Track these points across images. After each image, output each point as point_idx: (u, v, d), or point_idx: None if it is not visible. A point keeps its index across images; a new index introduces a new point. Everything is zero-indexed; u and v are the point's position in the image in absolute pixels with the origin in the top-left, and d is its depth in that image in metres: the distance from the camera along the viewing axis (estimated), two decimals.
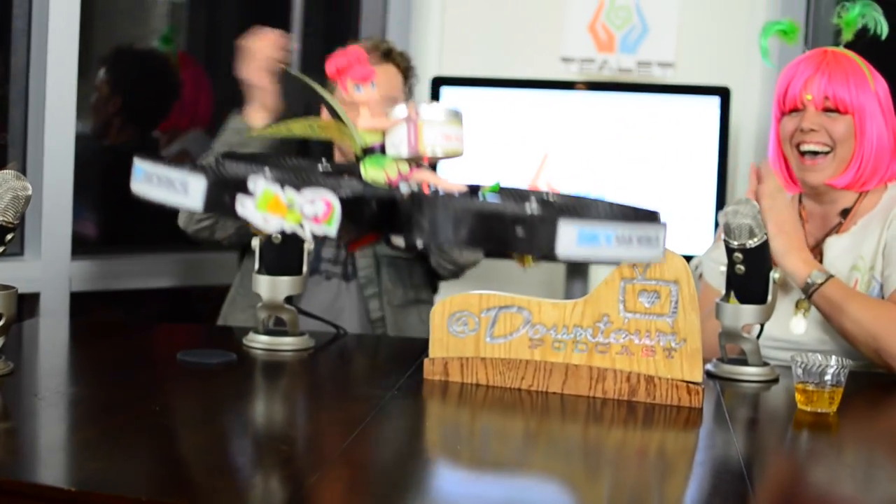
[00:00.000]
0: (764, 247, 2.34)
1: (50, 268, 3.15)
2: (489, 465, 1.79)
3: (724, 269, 2.39)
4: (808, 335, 2.57)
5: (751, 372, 2.37)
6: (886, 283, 2.51)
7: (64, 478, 1.61)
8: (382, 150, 1.68)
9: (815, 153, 2.59)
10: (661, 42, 3.74)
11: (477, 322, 2.21)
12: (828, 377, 2.10)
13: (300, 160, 1.87)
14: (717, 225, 3.25)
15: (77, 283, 3.26)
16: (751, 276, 2.36)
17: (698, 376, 2.12)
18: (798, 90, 2.59)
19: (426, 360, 2.23)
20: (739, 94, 3.63)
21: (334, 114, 1.76)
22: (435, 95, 3.56)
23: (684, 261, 2.17)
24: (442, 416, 2.14)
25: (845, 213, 2.65)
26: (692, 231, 3.46)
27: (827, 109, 2.57)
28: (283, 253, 2.41)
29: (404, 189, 1.62)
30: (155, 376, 2.22)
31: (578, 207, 1.75)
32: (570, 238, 1.37)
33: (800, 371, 2.12)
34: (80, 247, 3.33)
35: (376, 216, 1.48)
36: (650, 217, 1.79)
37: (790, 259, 2.46)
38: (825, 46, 2.67)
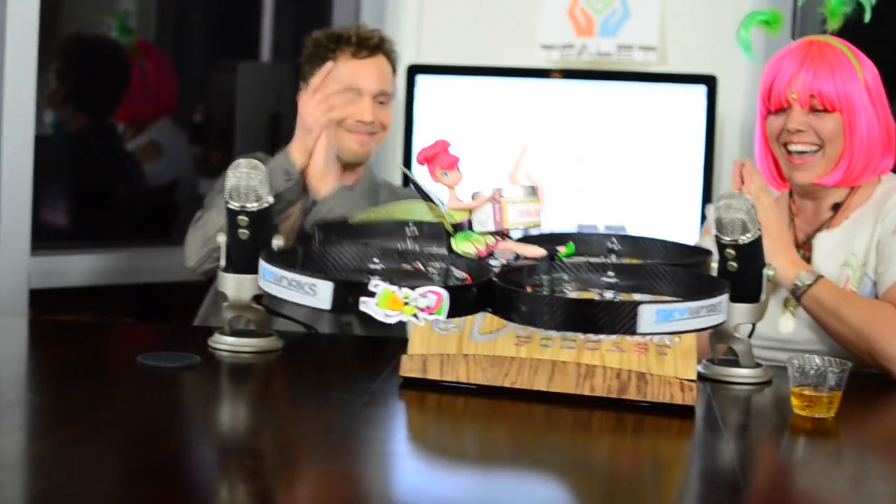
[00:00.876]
0: (757, 243, 2.23)
1: (7, 263, 3.04)
2: (472, 476, 1.71)
3: (715, 265, 2.28)
4: (797, 334, 2.51)
5: (743, 374, 2.28)
6: (880, 281, 2.44)
7: (15, 496, 1.49)
8: (469, 225, 1.93)
9: (803, 152, 2.52)
10: (644, 26, 3.63)
11: (462, 319, 2.14)
12: (827, 381, 2.00)
13: (391, 224, 2.14)
14: (703, 217, 3.18)
15: (37, 280, 3.16)
16: (743, 273, 2.25)
17: (692, 374, 2.05)
18: (782, 88, 2.51)
19: (404, 357, 2.13)
20: (726, 82, 3.55)
21: (426, 197, 2.01)
22: (410, 84, 3.46)
23: None
24: (421, 422, 2.05)
25: (836, 206, 2.58)
26: (678, 224, 3.38)
27: (813, 108, 2.50)
28: (250, 250, 2.28)
29: (495, 263, 1.89)
30: (114, 381, 2.12)
31: (644, 269, 2.01)
32: (649, 318, 1.61)
33: (797, 374, 2.02)
34: (42, 241, 3.24)
35: (478, 300, 1.74)
36: (702, 255, 2.24)
37: (777, 260, 2.37)
38: (812, 36, 2.59)
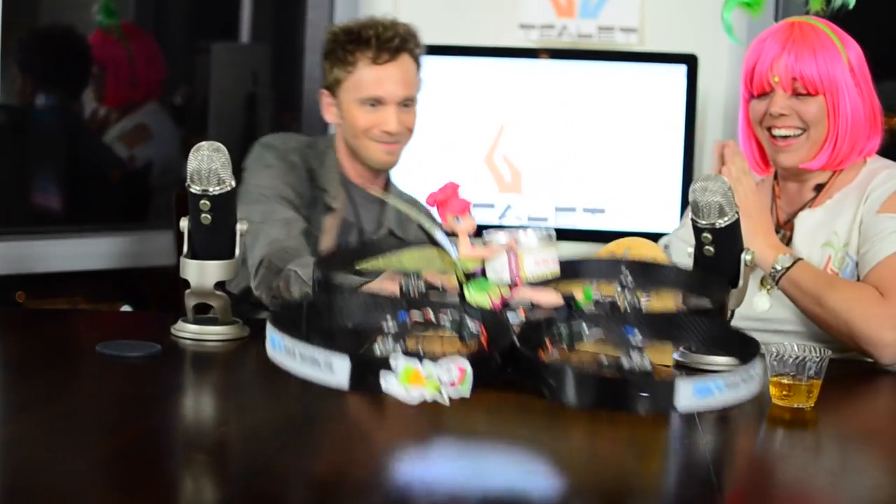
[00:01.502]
0: (735, 226, 2.17)
1: None
2: (448, 457, 1.68)
3: (691, 249, 2.22)
4: (773, 312, 2.48)
5: (720, 361, 2.20)
6: (862, 262, 2.40)
7: None
8: (483, 274, 1.85)
9: (787, 136, 2.48)
10: (625, 7, 3.58)
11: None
12: (806, 369, 1.94)
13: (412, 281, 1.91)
14: (684, 201, 3.13)
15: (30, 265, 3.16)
16: (721, 257, 2.19)
17: (668, 361, 2.11)
18: (764, 72, 2.46)
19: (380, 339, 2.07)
20: (707, 62, 3.49)
21: (434, 242, 1.94)
22: None
23: (661, 249, 2.18)
24: (397, 410, 1.93)
25: (819, 187, 2.55)
26: (658, 207, 3.33)
27: (796, 91, 2.45)
28: (213, 236, 2.23)
29: (513, 317, 1.77)
30: (71, 372, 2.06)
31: (669, 319, 1.86)
32: (687, 394, 1.50)
33: (775, 362, 1.96)
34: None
35: (502, 369, 1.60)
36: (721, 285, 2.10)
37: (756, 243, 2.33)
38: (794, 17, 2.54)
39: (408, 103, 2.80)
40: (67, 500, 1.41)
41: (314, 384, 1.86)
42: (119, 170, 3.91)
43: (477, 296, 1.80)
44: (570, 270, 1.99)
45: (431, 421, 1.78)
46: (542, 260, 1.86)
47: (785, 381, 1.95)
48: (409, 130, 2.82)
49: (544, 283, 1.87)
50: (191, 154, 2.18)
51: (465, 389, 1.47)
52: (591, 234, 3.35)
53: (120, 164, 3.90)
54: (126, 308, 3.39)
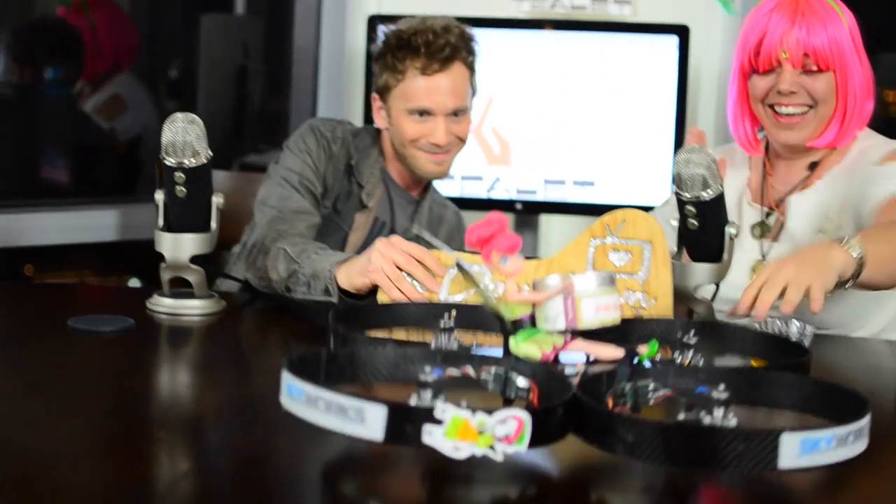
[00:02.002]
0: (719, 199, 2.13)
1: None
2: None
3: (675, 223, 2.18)
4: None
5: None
6: (870, 200, 2.29)
7: None
8: (532, 322, 1.60)
9: (793, 114, 2.41)
10: None
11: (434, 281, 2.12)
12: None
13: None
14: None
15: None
16: (705, 231, 2.15)
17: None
18: (773, 47, 2.36)
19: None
20: (699, 32, 3.44)
21: (477, 286, 1.69)
22: (371, 35, 3.34)
23: (657, 220, 2.09)
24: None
25: (813, 165, 2.48)
26: (648, 179, 3.29)
27: (805, 67, 2.37)
28: (188, 209, 2.19)
29: (571, 371, 1.57)
30: (41, 346, 2.01)
31: (747, 375, 1.57)
32: (792, 450, 1.29)
33: None
34: None
35: (564, 422, 1.36)
36: (800, 350, 1.78)
37: (834, 256, 2.02)
38: None
39: (458, 113, 2.70)
40: (34, 472, 1.38)
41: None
42: (124, 144, 3.91)
43: (525, 347, 1.57)
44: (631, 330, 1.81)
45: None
46: (602, 306, 1.61)
47: None
48: (461, 140, 2.73)
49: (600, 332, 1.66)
50: (165, 126, 2.15)
51: (521, 446, 1.28)
52: (580, 208, 3.31)
53: (109, 137, 3.88)
54: (134, 282, 3.38)
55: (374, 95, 2.74)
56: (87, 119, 3.83)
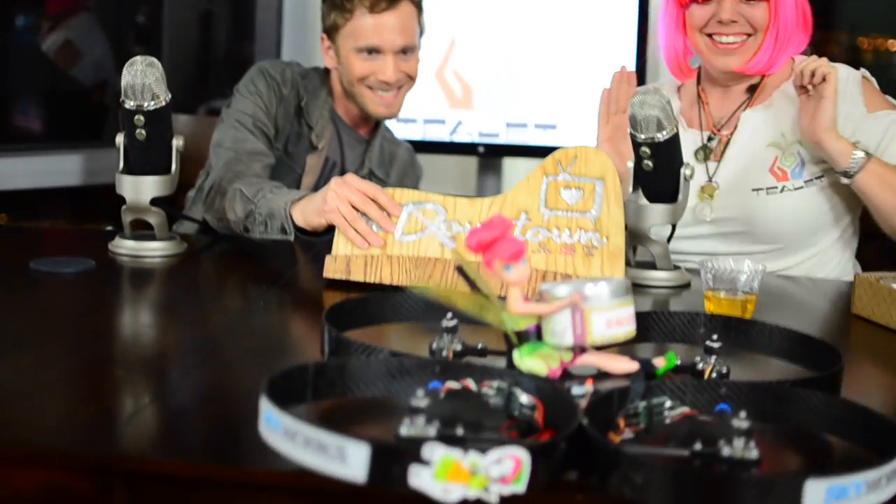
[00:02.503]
0: (674, 140, 2.16)
1: None
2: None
3: (631, 164, 2.21)
4: (717, 214, 2.48)
5: (660, 277, 2.21)
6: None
7: None
8: (538, 334, 1.46)
9: (733, 42, 2.46)
10: None
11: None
12: (741, 284, 1.94)
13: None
14: None
15: None
16: (659, 172, 2.18)
17: (619, 275, 1.99)
18: None
19: (328, 258, 2.08)
20: None
21: (479, 293, 1.48)
22: None
23: (609, 157, 2.07)
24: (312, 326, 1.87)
25: (752, 88, 2.55)
26: None
27: None
28: (148, 152, 2.21)
29: (578, 391, 1.40)
30: (2, 288, 2.02)
31: (776, 394, 1.42)
32: (817, 497, 1.16)
33: (709, 277, 1.95)
34: None
35: (566, 458, 1.23)
36: (832, 352, 1.57)
37: (832, 136, 2.31)
38: None
39: (407, 51, 2.72)
40: None
41: (251, 301, 1.87)
42: (94, 89, 3.89)
43: (530, 362, 1.43)
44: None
45: (370, 337, 1.76)
46: (615, 320, 1.46)
47: (720, 296, 1.95)
48: (410, 78, 2.75)
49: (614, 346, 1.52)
50: (124, 69, 2.17)
51: (519, 486, 1.16)
52: (542, 150, 3.29)
53: (76, 83, 3.87)
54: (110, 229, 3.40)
55: (322, 35, 2.76)
56: (54, 65, 3.81)
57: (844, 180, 2.33)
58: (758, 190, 2.44)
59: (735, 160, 2.49)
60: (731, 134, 2.51)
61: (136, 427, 1.36)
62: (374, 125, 2.86)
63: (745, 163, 2.48)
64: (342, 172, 2.77)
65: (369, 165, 2.81)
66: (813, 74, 2.29)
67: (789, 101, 2.47)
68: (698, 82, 2.62)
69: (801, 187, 2.44)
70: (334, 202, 2.13)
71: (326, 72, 2.81)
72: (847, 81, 2.45)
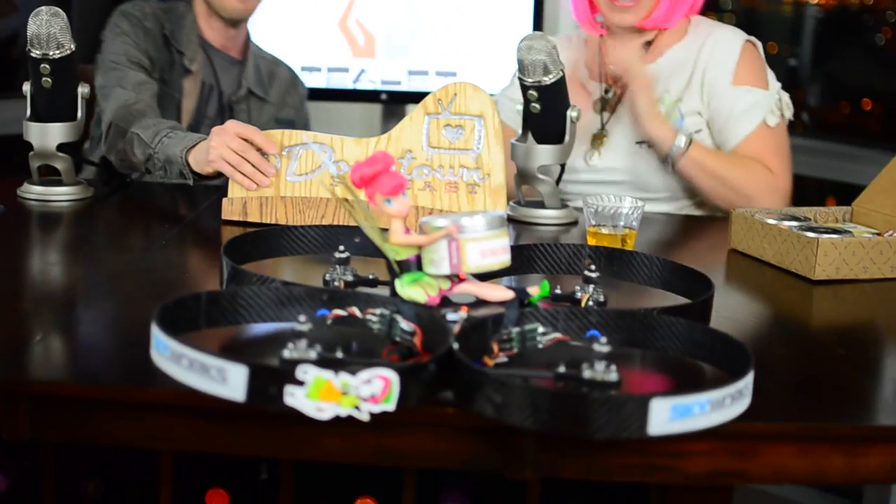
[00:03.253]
0: (560, 84, 2.25)
1: None
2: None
3: (520, 107, 2.30)
4: (604, 162, 2.57)
5: (549, 215, 2.31)
6: (727, 135, 2.52)
7: None
8: (418, 264, 1.50)
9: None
10: None
11: (278, 160, 2.17)
12: (620, 219, 2.04)
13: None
14: None
15: None
16: (547, 114, 2.28)
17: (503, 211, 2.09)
18: None
19: (224, 200, 2.17)
20: None
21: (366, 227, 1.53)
22: None
23: (488, 95, 2.15)
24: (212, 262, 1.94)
25: (647, 45, 2.62)
26: (509, 69, 3.36)
27: None
28: (55, 99, 2.27)
29: (453, 317, 1.45)
30: None
31: (643, 321, 1.48)
32: (662, 416, 1.22)
33: (591, 212, 2.05)
34: None
35: (436, 380, 1.29)
36: (705, 281, 1.63)
37: (652, 126, 2.45)
38: None
39: None
40: None
41: (154, 240, 1.93)
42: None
43: (409, 289, 1.48)
44: (523, 259, 1.74)
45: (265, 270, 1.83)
46: (489, 250, 1.50)
47: (602, 231, 2.05)
48: None
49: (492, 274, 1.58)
50: (30, 19, 2.21)
51: (389, 405, 1.22)
52: None
53: None
54: None
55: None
56: None
57: (666, 166, 2.47)
58: (641, 143, 2.53)
59: (625, 115, 2.57)
60: (622, 93, 2.59)
61: (40, 354, 1.43)
62: (245, 45, 2.91)
63: (632, 117, 2.56)
64: (220, 95, 2.84)
65: (247, 85, 2.86)
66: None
67: (676, 61, 2.57)
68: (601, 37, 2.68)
69: None
70: (216, 152, 2.20)
71: (189, 2, 2.87)
72: (726, 48, 2.54)
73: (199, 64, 2.81)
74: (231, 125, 2.22)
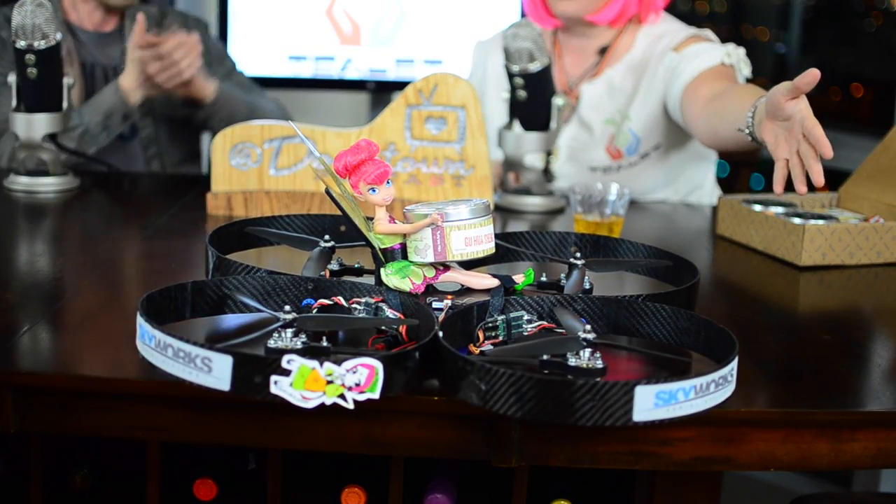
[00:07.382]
0: (546, 72, 2.25)
1: None
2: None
3: (506, 95, 2.30)
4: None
5: (535, 202, 2.31)
6: (682, 77, 2.39)
7: None
8: (403, 252, 1.50)
9: None
10: None
11: (260, 154, 2.15)
12: (607, 207, 2.04)
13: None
14: None
15: None
16: (533, 102, 2.28)
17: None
18: None
19: (209, 195, 2.16)
20: None
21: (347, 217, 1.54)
22: None
23: (471, 85, 2.13)
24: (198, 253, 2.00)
25: (603, 51, 2.57)
26: None
27: None
28: (41, 89, 2.27)
29: (438, 305, 1.46)
30: None
31: (628, 308, 1.48)
32: (647, 402, 1.23)
33: (578, 199, 2.06)
34: None
35: (421, 368, 1.30)
36: (690, 268, 1.63)
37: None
38: None
39: None
40: None
41: (140, 230, 1.93)
42: None
43: (394, 278, 1.49)
44: (508, 247, 1.72)
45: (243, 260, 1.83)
46: (474, 238, 1.50)
47: (589, 218, 2.05)
48: None
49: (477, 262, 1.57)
50: (14, 9, 2.21)
51: (374, 393, 1.23)
52: None
53: None
54: None
55: None
56: None
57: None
58: (595, 169, 2.51)
59: (576, 126, 2.54)
60: (576, 104, 2.56)
61: (25, 345, 1.43)
62: (120, 15, 2.83)
63: (585, 138, 2.53)
64: (105, 71, 2.78)
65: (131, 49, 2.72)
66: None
67: (628, 72, 2.52)
68: (555, 33, 2.64)
69: (636, 163, 2.51)
70: (143, 71, 2.41)
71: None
72: (673, 37, 2.50)
73: (70, 48, 2.73)
74: (136, 40, 2.44)
